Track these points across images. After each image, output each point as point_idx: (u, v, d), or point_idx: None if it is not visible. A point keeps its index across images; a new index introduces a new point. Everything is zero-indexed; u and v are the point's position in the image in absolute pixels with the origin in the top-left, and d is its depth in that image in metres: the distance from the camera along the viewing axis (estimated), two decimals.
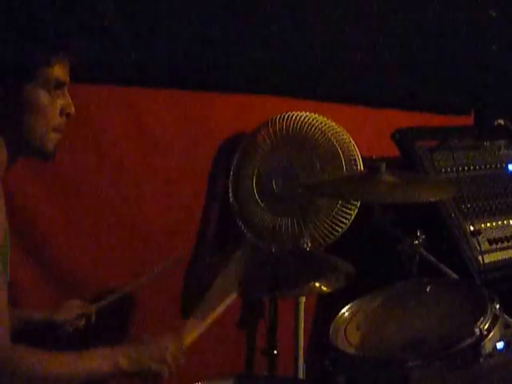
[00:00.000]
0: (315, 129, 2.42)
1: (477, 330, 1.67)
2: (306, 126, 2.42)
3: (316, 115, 2.44)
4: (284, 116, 2.43)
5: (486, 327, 1.68)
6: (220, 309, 1.89)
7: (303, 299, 2.42)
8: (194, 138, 2.46)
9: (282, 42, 2.51)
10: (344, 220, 2.42)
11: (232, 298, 1.92)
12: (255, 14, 2.44)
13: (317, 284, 2.16)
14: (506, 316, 1.86)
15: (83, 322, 2.01)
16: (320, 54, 2.62)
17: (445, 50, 2.93)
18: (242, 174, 2.46)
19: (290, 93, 2.61)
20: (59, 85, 1.56)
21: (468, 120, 3.08)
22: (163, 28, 2.26)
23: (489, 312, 1.73)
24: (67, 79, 1.58)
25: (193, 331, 1.80)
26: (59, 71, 1.55)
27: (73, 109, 1.60)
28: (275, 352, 2.31)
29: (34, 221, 2.19)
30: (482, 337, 1.66)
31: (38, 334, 1.86)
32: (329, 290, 2.12)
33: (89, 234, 2.30)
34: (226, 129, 2.53)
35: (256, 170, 2.45)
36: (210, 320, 1.85)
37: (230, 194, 2.48)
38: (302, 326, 2.43)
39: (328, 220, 2.41)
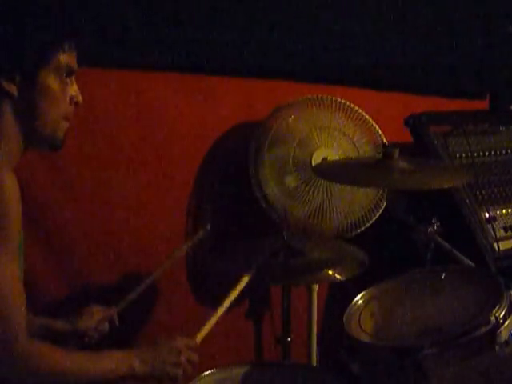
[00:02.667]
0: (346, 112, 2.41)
1: (492, 318, 1.65)
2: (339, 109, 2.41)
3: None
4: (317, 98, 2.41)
5: (501, 315, 1.66)
6: (233, 294, 1.88)
7: (316, 287, 2.41)
8: (201, 122, 2.44)
9: (293, 25, 2.48)
10: (376, 212, 2.40)
11: (245, 281, 1.91)
12: None
13: (330, 272, 2.15)
14: None
15: (107, 326, 1.97)
16: (332, 38, 2.59)
17: (459, 33, 2.89)
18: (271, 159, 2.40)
19: (301, 77, 2.58)
20: (70, 72, 1.57)
21: (483, 104, 3.04)
22: (169, 10, 2.24)
23: (505, 300, 1.71)
24: (76, 67, 1.59)
25: (204, 328, 1.80)
26: (70, 58, 1.55)
27: (80, 97, 1.60)
28: (289, 339, 2.32)
29: (43, 209, 2.18)
30: (498, 325, 1.65)
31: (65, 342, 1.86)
32: (342, 278, 2.12)
33: (96, 221, 2.29)
34: (235, 114, 2.50)
35: (291, 158, 2.38)
36: (224, 307, 1.85)
37: (258, 180, 2.40)
38: (315, 313, 2.42)
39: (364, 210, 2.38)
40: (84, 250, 2.27)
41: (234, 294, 1.89)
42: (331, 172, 2.11)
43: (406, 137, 2.56)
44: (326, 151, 2.38)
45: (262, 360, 2.59)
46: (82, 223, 2.26)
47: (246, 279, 1.93)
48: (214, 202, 2.49)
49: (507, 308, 1.69)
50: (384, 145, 2.33)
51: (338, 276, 2.14)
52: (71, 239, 2.25)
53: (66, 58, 1.54)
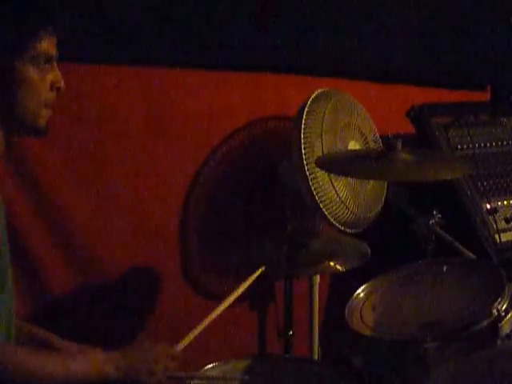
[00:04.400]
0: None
1: (494, 311, 1.65)
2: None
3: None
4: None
5: (503, 308, 1.66)
6: (245, 285, 1.87)
7: (317, 279, 2.41)
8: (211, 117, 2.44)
9: (299, 19, 2.47)
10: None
11: (257, 273, 1.90)
12: None
13: (331, 263, 2.15)
14: None
15: None
16: (333, 29, 2.57)
17: (460, 24, 2.87)
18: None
19: (303, 70, 2.57)
20: (48, 59, 1.54)
21: (484, 96, 3.03)
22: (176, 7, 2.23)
23: (506, 292, 1.71)
24: (55, 53, 1.56)
25: (189, 335, 1.77)
26: (47, 45, 1.52)
27: (63, 83, 1.57)
28: (291, 333, 2.31)
29: (50, 196, 2.18)
30: (500, 318, 1.65)
31: None
32: (343, 270, 2.11)
33: (103, 212, 2.28)
34: (241, 109, 2.49)
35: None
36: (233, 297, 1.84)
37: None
38: (316, 306, 2.41)
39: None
40: (92, 238, 2.27)
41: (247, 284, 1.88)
42: (333, 164, 2.11)
43: (408, 128, 2.55)
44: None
45: (265, 353, 2.59)
46: (91, 219, 2.26)
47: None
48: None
49: (509, 301, 1.69)
50: (386, 137, 2.32)
51: (339, 267, 2.14)
52: (81, 233, 2.25)
53: (43, 45, 1.51)
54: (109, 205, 2.28)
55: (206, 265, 2.47)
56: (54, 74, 1.56)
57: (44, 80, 1.53)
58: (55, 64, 1.57)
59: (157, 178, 2.35)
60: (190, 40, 2.29)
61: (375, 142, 2.43)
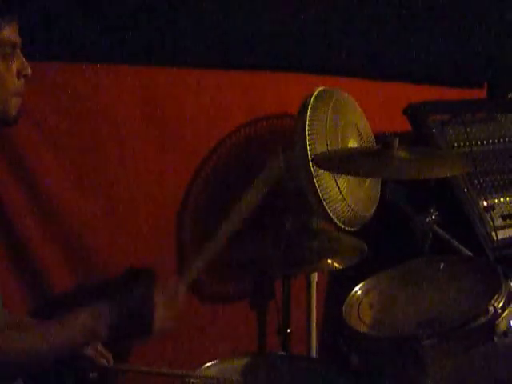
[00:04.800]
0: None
1: (491, 308, 1.65)
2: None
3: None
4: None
5: (500, 305, 1.66)
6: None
7: (315, 277, 2.41)
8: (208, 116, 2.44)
9: (294, 16, 2.47)
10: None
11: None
12: None
13: (329, 261, 2.16)
14: None
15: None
16: (330, 26, 2.57)
17: (457, 21, 2.87)
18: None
19: (300, 67, 2.57)
20: (12, 47, 1.52)
21: (481, 93, 3.03)
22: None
23: (503, 289, 1.71)
24: (18, 40, 1.54)
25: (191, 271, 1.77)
26: (9, 33, 1.50)
27: (29, 69, 1.55)
28: (288, 331, 2.32)
29: (46, 193, 2.18)
30: (497, 315, 1.65)
31: None
32: (341, 267, 2.12)
33: (100, 212, 2.29)
34: (239, 107, 2.49)
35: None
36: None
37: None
38: (314, 304, 2.42)
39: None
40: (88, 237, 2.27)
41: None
42: (330, 162, 2.11)
43: (406, 126, 2.55)
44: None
45: (263, 351, 2.59)
46: (87, 219, 2.26)
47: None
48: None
49: (506, 298, 1.69)
50: (383, 134, 2.33)
51: (336, 265, 2.14)
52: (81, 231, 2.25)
53: (5, 33, 1.49)
54: (105, 204, 2.28)
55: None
56: (19, 62, 1.54)
57: (10, 69, 1.52)
58: (19, 51, 1.54)
59: (154, 177, 2.35)
60: (187, 39, 2.29)
61: (370, 141, 2.43)
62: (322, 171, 2.19)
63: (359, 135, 2.41)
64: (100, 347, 1.82)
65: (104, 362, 1.82)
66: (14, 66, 1.53)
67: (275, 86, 2.53)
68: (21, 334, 1.52)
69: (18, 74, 1.54)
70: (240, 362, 1.89)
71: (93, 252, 2.26)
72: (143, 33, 2.18)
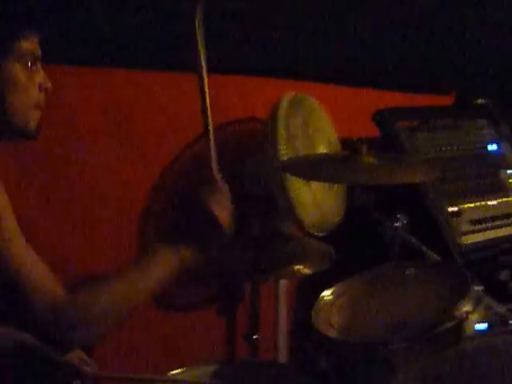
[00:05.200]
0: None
1: (458, 313, 1.66)
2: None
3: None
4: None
5: (467, 309, 1.67)
6: None
7: (284, 282, 2.41)
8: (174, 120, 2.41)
9: (263, 20, 2.47)
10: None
11: None
12: None
13: (297, 266, 2.15)
14: (487, 297, 1.86)
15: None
16: (298, 30, 2.57)
17: (425, 28, 2.90)
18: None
19: (267, 72, 2.56)
20: (34, 59, 1.52)
21: (449, 100, 3.06)
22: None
23: (470, 294, 1.72)
24: (39, 53, 1.54)
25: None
26: (32, 45, 1.51)
27: (50, 84, 1.55)
28: (256, 337, 2.31)
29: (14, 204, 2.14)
30: (464, 319, 1.66)
31: None
32: (309, 272, 2.12)
33: (69, 218, 2.26)
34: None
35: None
36: None
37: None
38: (283, 310, 2.42)
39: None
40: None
41: None
42: (300, 168, 2.11)
43: (375, 132, 2.57)
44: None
45: (232, 358, 2.57)
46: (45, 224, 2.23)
47: None
48: None
49: (473, 302, 1.70)
50: (351, 140, 2.33)
51: (305, 270, 2.14)
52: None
53: (28, 44, 1.49)
54: (64, 208, 2.25)
55: None
56: (40, 75, 1.54)
57: (33, 80, 1.51)
58: (40, 65, 1.54)
59: (115, 182, 2.33)
60: (152, 41, 2.27)
61: (338, 147, 2.44)
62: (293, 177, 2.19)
63: (328, 141, 2.41)
64: (83, 355, 1.80)
65: (88, 369, 1.80)
66: (37, 78, 1.53)
67: (242, 91, 2.52)
68: (95, 286, 1.49)
69: (40, 87, 1.53)
70: (208, 370, 1.87)
71: (51, 258, 2.22)
72: (100, 34, 2.16)
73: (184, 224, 1.63)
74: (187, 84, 2.38)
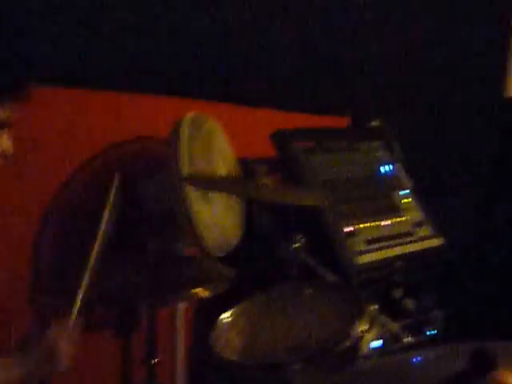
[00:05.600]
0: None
1: (353, 333, 1.69)
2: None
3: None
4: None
5: (362, 329, 1.71)
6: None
7: (182, 306, 2.38)
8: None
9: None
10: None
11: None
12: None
13: (196, 289, 2.12)
14: (382, 316, 1.90)
15: None
16: (193, 49, 2.57)
17: (321, 51, 2.97)
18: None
19: (167, 91, 2.54)
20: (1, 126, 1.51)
21: (345, 121, 3.13)
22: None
23: (365, 314, 1.76)
24: (12, 118, 1.52)
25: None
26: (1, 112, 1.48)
27: (11, 150, 1.54)
28: (154, 361, 2.26)
29: None
30: (359, 339, 1.69)
31: None
32: (208, 295, 2.09)
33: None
34: (101, 129, 2.42)
35: None
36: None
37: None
38: (181, 333, 2.38)
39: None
40: None
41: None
42: (199, 181, 2.10)
43: (273, 152, 2.58)
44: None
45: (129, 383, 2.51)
46: None
47: None
48: None
49: (367, 322, 1.74)
50: (246, 161, 2.34)
51: (204, 293, 2.11)
52: None
53: None
54: None
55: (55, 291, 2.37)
56: (4, 141, 1.53)
57: None
58: (7, 130, 1.53)
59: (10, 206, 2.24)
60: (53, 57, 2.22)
61: (235, 168, 2.44)
62: (195, 195, 2.18)
63: (228, 161, 2.41)
64: None
65: None
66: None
67: (142, 109, 2.48)
68: None
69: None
70: None
71: None
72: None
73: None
74: (85, 101, 2.35)
